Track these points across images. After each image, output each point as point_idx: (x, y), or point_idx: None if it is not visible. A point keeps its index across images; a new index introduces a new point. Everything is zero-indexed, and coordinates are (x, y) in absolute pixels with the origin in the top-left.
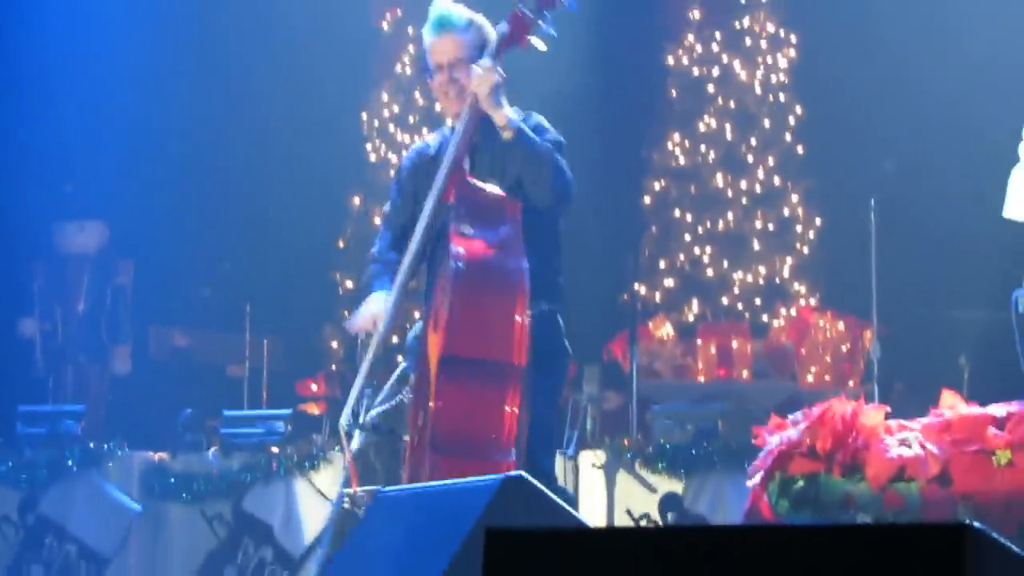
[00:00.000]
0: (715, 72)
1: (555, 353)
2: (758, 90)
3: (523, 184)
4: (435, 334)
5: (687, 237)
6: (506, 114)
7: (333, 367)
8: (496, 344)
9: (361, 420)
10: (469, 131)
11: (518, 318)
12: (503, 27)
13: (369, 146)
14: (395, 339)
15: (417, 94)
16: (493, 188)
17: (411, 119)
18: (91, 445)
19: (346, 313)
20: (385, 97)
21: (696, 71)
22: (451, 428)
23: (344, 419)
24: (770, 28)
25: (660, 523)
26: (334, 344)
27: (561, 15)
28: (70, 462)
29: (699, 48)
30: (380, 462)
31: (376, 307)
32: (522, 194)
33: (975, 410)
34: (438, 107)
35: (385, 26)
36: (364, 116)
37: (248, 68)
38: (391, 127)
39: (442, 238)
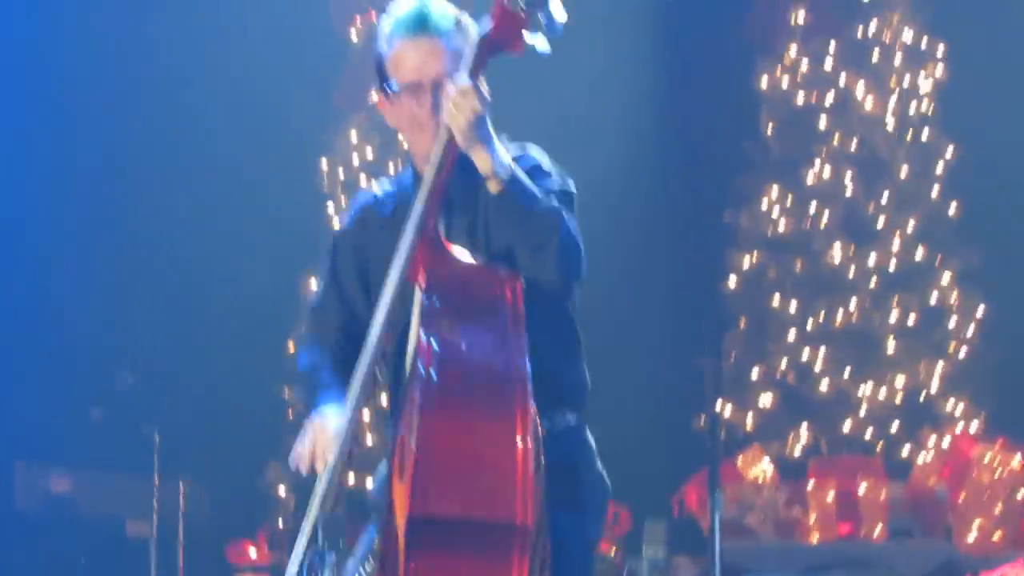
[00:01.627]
0: (828, 99)
1: (588, 488)
2: (891, 124)
3: (517, 255)
4: (401, 483)
5: (791, 335)
6: (492, 156)
7: (280, 523)
8: (489, 495)
9: None
10: (441, 180)
11: (519, 451)
12: (484, 24)
13: (331, 205)
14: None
15: None
16: (477, 261)
17: (392, 166)
18: None
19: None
20: (354, 137)
21: (801, 98)
22: None
23: None
24: (907, 36)
25: None
26: (281, 490)
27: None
28: None
29: (805, 65)
30: None
31: (327, 430)
32: (516, 267)
33: None
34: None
35: (354, 36)
36: (324, 165)
37: (168, 92)
38: (362, 178)
39: (411, 338)
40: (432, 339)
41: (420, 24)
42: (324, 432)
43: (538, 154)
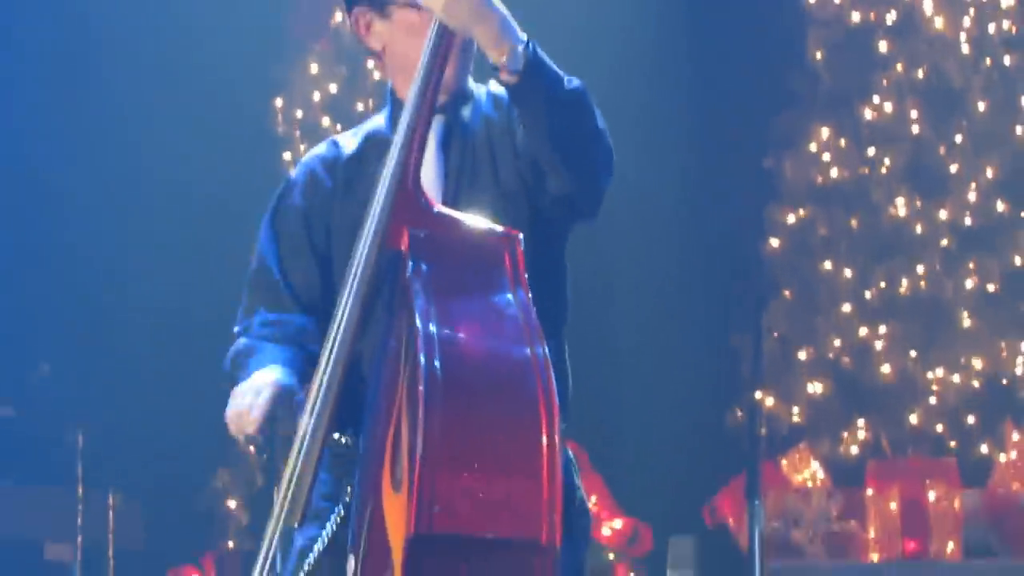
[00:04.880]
0: (890, 17)
1: (577, 512)
2: (965, 49)
3: (544, 159)
4: (397, 495)
5: (846, 308)
6: (507, 29)
7: (231, 543)
8: (510, 509)
9: None
10: (427, 107)
11: (545, 456)
12: None
13: (288, 155)
14: None
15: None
16: (475, 219)
17: (361, 106)
18: None
19: (252, 450)
20: (315, 69)
21: (856, 16)
22: None
23: None
24: None
25: None
26: (232, 503)
27: None
28: None
29: None
30: None
31: (267, 379)
32: (527, 194)
33: None
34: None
35: None
36: (279, 103)
37: (75, 27)
38: (325, 120)
39: (391, 317)
40: (430, 321)
41: None
42: (268, 379)
43: None
